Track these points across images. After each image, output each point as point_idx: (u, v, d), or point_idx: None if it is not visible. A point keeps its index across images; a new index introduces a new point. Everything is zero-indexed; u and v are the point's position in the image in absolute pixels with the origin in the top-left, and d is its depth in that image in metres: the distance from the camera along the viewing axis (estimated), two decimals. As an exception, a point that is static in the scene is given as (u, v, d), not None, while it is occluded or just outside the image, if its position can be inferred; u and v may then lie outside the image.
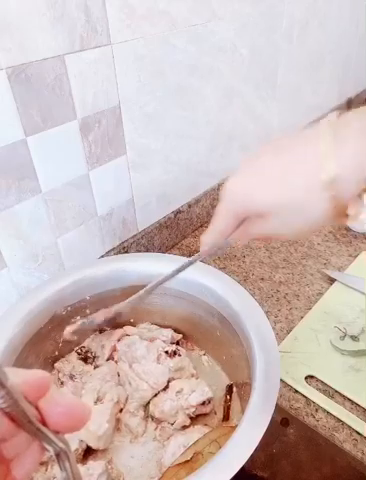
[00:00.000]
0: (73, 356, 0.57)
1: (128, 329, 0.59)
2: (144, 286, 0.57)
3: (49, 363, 0.55)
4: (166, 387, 0.52)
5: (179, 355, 0.53)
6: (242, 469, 0.48)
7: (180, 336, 0.59)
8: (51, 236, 0.60)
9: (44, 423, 0.20)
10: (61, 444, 0.20)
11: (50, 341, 0.55)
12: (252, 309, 0.47)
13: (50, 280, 0.55)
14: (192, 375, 0.53)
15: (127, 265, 0.57)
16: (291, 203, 0.30)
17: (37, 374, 0.20)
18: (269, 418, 0.35)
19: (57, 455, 0.21)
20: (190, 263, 0.38)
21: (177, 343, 0.58)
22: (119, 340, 0.56)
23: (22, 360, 0.49)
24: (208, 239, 0.36)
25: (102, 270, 0.56)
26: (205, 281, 0.53)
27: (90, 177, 0.61)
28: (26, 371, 0.20)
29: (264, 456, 0.50)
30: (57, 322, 0.54)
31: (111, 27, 0.54)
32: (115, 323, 0.46)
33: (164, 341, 0.55)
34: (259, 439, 0.34)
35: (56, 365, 0.56)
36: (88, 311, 0.57)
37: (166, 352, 0.52)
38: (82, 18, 0.50)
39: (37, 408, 0.20)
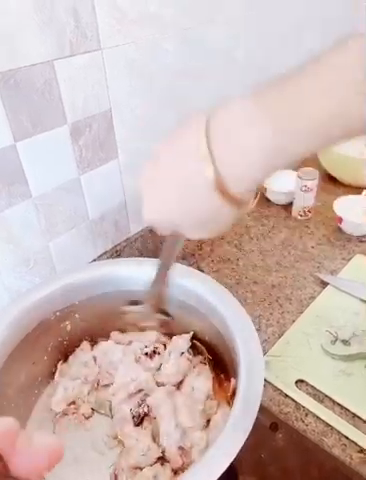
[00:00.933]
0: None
1: (114, 335, 0.59)
2: (134, 291, 0.57)
3: (37, 369, 0.55)
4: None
5: (158, 353, 0.53)
6: (231, 473, 0.48)
7: (167, 341, 0.58)
8: (42, 240, 0.60)
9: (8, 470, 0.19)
10: None
11: (38, 347, 0.55)
12: (240, 316, 0.47)
13: (38, 285, 0.55)
14: None
15: (117, 269, 0.57)
16: (197, 214, 0.30)
17: (4, 424, 0.19)
18: (250, 426, 0.35)
19: None
20: None
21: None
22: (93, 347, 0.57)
23: (9, 366, 0.49)
24: None
25: (92, 275, 0.56)
26: (194, 287, 0.53)
27: (81, 181, 0.61)
28: None
29: (252, 461, 0.50)
30: (46, 327, 0.55)
31: (101, 32, 0.54)
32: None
33: (146, 346, 0.55)
34: (241, 446, 0.34)
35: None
36: (77, 316, 0.57)
37: (146, 354, 0.53)
38: (71, 23, 0.51)
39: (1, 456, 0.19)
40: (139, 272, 0.56)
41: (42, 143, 0.54)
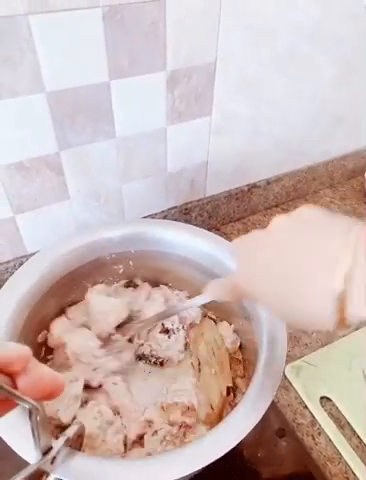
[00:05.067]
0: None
1: (163, 289, 0.60)
2: (186, 260, 0.57)
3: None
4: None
5: (169, 336, 0.53)
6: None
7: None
8: (117, 181, 0.61)
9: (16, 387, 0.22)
10: (33, 402, 0.23)
11: (90, 278, 0.58)
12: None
13: (99, 227, 0.57)
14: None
15: (178, 234, 0.56)
16: (297, 308, 0.27)
17: (17, 351, 0.22)
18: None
19: (29, 411, 0.24)
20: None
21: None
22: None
23: (61, 284, 0.53)
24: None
25: (153, 232, 0.56)
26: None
27: (167, 132, 0.59)
28: (7, 345, 0.22)
29: (248, 454, 0.49)
30: (100, 264, 0.57)
31: (225, -27, 0.49)
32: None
33: (185, 317, 0.55)
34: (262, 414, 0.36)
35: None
36: (131, 263, 0.59)
37: (163, 325, 0.54)
38: None
39: (11, 376, 0.22)
40: (194, 242, 0.55)
41: (136, 86, 0.52)
